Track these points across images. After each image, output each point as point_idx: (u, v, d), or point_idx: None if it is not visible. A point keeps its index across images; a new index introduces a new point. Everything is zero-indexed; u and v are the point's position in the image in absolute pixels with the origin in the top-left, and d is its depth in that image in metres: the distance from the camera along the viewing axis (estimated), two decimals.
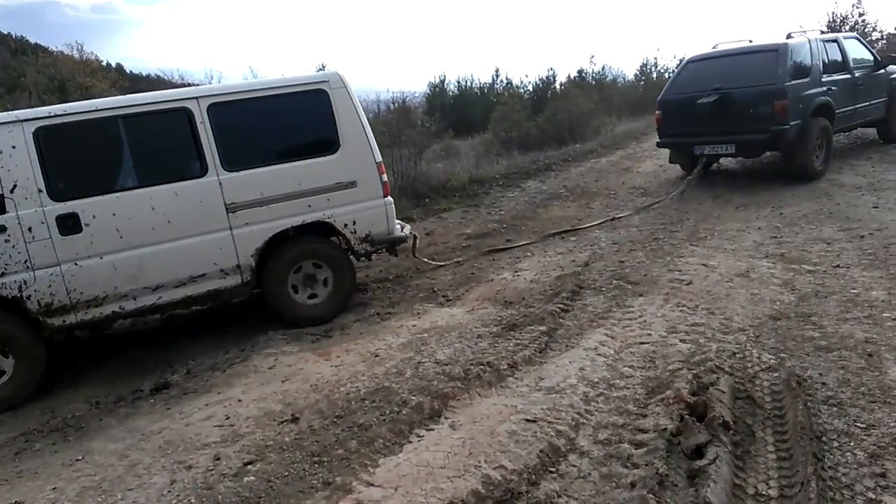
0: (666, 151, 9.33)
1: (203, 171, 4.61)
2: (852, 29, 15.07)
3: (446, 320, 4.74)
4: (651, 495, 2.41)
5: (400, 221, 5.62)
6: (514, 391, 3.46)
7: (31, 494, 3.05)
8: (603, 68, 20.73)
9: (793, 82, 7.38)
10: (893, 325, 3.71)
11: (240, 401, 3.76)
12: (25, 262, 4.18)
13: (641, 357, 3.70)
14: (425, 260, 6.30)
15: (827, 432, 2.78)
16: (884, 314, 3.87)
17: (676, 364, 3.52)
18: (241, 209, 4.69)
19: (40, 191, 4.20)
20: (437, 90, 18.68)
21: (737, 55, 8.07)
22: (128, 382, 4.41)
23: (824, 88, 7.79)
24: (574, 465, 2.74)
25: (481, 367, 3.74)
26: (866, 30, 15.65)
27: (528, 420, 3.10)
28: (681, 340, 3.85)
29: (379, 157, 5.14)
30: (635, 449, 2.76)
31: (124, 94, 5.10)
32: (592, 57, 24.99)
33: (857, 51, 8.75)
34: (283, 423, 3.43)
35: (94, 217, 4.32)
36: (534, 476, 2.68)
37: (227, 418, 3.56)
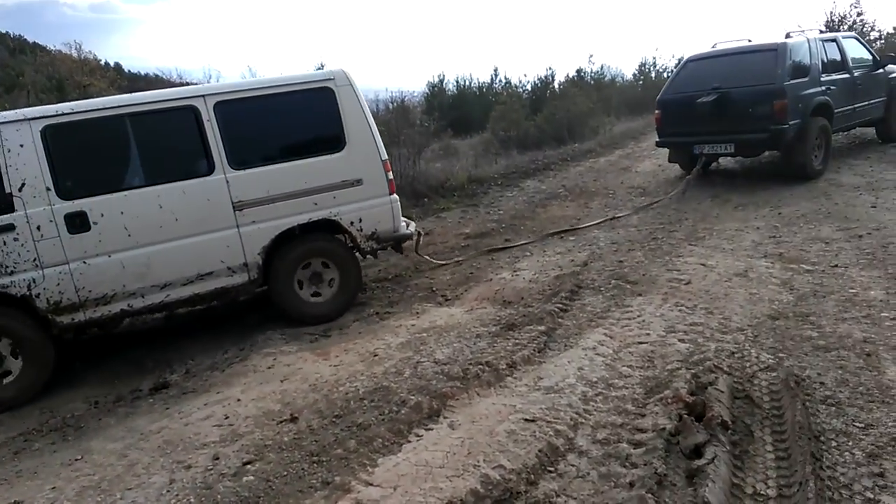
0: (664, 151, 9.34)
1: (210, 170, 4.62)
2: (850, 28, 15.09)
3: (445, 320, 4.74)
4: (650, 495, 2.42)
5: (405, 219, 5.64)
6: (513, 391, 3.46)
7: (30, 494, 3.05)
8: (601, 68, 20.76)
9: (792, 82, 7.39)
10: (891, 324, 3.72)
11: (239, 400, 3.77)
12: (34, 260, 4.20)
13: (640, 357, 3.70)
14: (426, 257, 6.30)
15: (825, 432, 2.79)
16: (882, 314, 3.87)
17: (675, 364, 3.52)
18: (247, 207, 4.71)
19: (48, 189, 4.21)
20: (436, 89, 18.67)
21: (736, 55, 8.08)
22: (127, 382, 4.41)
23: (823, 88, 7.80)
24: (573, 465, 2.75)
25: (480, 366, 3.74)
26: (864, 29, 15.67)
27: (526, 420, 3.10)
28: (679, 340, 3.85)
29: (385, 155, 5.16)
30: (634, 448, 2.77)
31: (122, 94, 5.10)
32: (591, 56, 25.07)
33: (855, 50, 8.76)
34: (281, 422, 3.43)
35: (102, 215, 4.33)
36: (532, 475, 2.68)
37: (226, 418, 3.56)
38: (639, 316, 4.31)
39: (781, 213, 6.52)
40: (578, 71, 19.87)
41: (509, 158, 11.93)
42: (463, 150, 13.47)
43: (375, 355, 4.20)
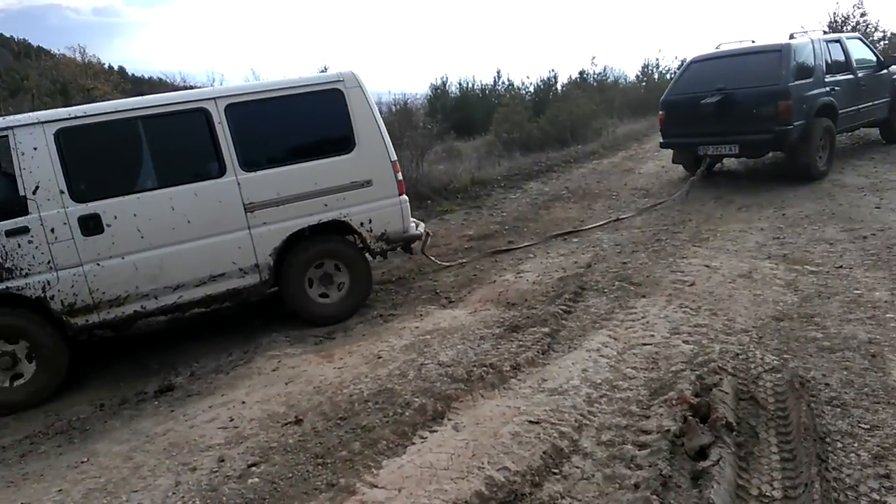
0: (667, 152, 9.34)
1: (221, 172, 4.65)
2: (854, 29, 15.05)
3: (449, 322, 4.74)
4: (654, 496, 2.41)
5: (414, 219, 5.66)
6: (517, 393, 3.46)
7: (36, 496, 3.06)
8: (604, 69, 20.80)
9: (796, 83, 7.38)
10: None
11: (243, 403, 3.77)
12: (48, 262, 4.23)
13: (644, 358, 3.70)
14: (432, 258, 6.30)
15: (830, 433, 2.78)
16: (887, 315, 3.86)
17: (679, 365, 3.52)
18: (258, 209, 4.73)
19: (62, 192, 4.25)
20: (439, 92, 18.69)
21: (740, 56, 8.07)
22: (132, 385, 4.42)
23: (827, 89, 7.79)
24: (577, 467, 2.74)
25: (484, 368, 3.74)
26: (868, 30, 15.63)
27: (531, 421, 3.10)
28: (684, 341, 3.85)
29: (394, 156, 5.18)
30: (639, 450, 2.76)
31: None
32: (594, 58, 25.06)
33: (859, 51, 8.75)
34: (286, 424, 3.44)
35: (115, 218, 4.37)
36: (537, 477, 2.68)
37: (231, 420, 3.57)
38: (643, 317, 4.31)
39: (785, 214, 6.50)
40: (581, 72, 19.94)
41: (512, 160, 11.92)
42: (466, 152, 13.48)
43: (379, 357, 4.21)
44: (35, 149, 4.20)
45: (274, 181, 4.77)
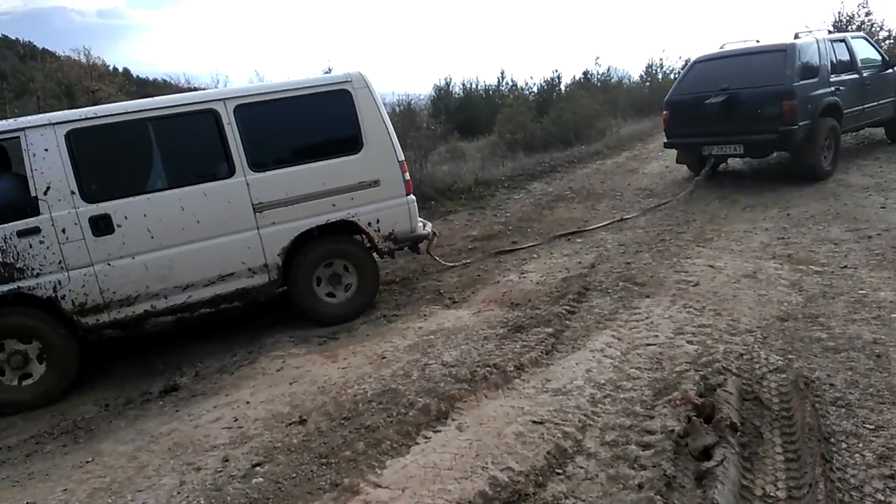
0: (671, 152, 9.32)
1: (230, 172, 4.68)
2: (859, 28, 15.00)
3: (452, 322, 4.75)
4: (658, 497, 2.41)
5: (422, 219, 5.67)
6: (521, 393, 3.46)
7: (42, 496, 3.08)
8: (608, 69, 20.75)
9: (801, 82, 7.36)
10: None
11: (248, 403, 3.78)
12: (59, 262, 4.26)
13: (648, 358, 3.69)
14: (437, 258, 6.31)
15: (835, 433, 2.77)
16: (892, 315, 3.85)
17: (683, 365, 3.51)
18: (267, 209, 4.76)
19: (73, 193, 4.28)
20: (443, 92, 18.68)
21: (744, 55, 8.05)
22: (137, 385, 4.44)
23: (832, 88, 7.76)
24: (581, 467, 2.74)
25: (488, 368, 3.74)
26: (873, 29, 15.56)
27: (534, 422, 3.10)
28: (688, 342, 3.84)
29: (401, 156, 5.20)
30: (643, 450, 2.76)
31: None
32: (597, 58, 24.89)
33: (864, 50, 8.72)
34: (290, 424, 3.45)
35: (125, 218, 4.40)
36: (541, 477, 2.68)
37: (236, 420, 3.58)
38: (647, 318, 4.30)
39: (790, 214, 6.49)
40: (585, 73, 19.91)
41: (516, 161, 11.92)
42: (469, 152, 13.49)
43: (383, 357, 4.22)
44: (46, 150, 4.23)
45: (282, 181, 4.79)
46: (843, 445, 2.69)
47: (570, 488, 2.61)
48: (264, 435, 3.37)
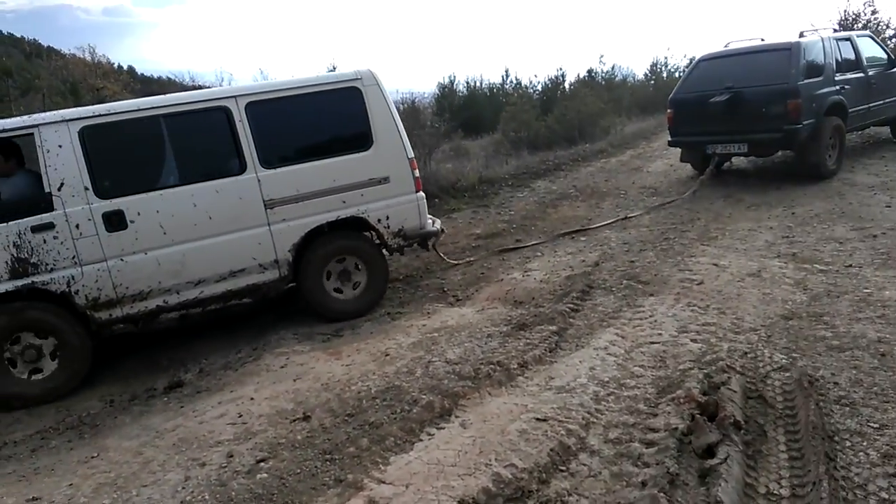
0: (676, 151, 9.30)
1: (242, 169, 4.70)
2: (865, 27, 14.93)
3: (456, 320, 4.75)
4: (662, 494, 2.41)
5: (431, 216, 5.68)
6: (525, 390, 3.47)
7: (47, 491, 3.09)
8: (613, 68, 20.70)
9: (806, 81, 7.34)
10: None
11: (252, 399, 3.80)
12: (73, 258, 4.29)
13: (652, 356, 3.69)
14: (441, 255, 6.31)
15: (839, 432, 2.77)
16: None
17: (687, 363, 3.51)
18: (278, 205, 4.78)
19: (87, 189, 4.31)
20: (447, 90, 18.67)
21: (749, 54, 8.02)
22: (142, 381, 4.46)
23: (837, 87, 7.74)
24: (584, 464, 2.75)
25: (491, 366, 3.75)
26: (879, 28, 15.49)
27: (538, 419, 3.11)
28: (692, 340, 3.84)
29: (411, 153, 5.22)
30: (646, 448, 2.76)
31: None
32: (602, 56, 24.95)
33: (870, 49, 8.69)
34: (295, 421, 3.46)
35: (138, 214, 4.43)
36: (544, 474, 2.69)
37: (240, 416, 3.59)
38: (651, 316, 4.30)
39: (795, 212, 6.47)
40: (589, 71, 19.84)
41: (520, 159, 11.91)
42: (474, 150, 13.48)
43: (387, 355, 4.22)
44: (60, 146, 4.26)
45: (293, 178, 4.82)
46: (848, 444, 2.69)
47: (573, 485, 2.62)
48: (268, 431, 3.38)
